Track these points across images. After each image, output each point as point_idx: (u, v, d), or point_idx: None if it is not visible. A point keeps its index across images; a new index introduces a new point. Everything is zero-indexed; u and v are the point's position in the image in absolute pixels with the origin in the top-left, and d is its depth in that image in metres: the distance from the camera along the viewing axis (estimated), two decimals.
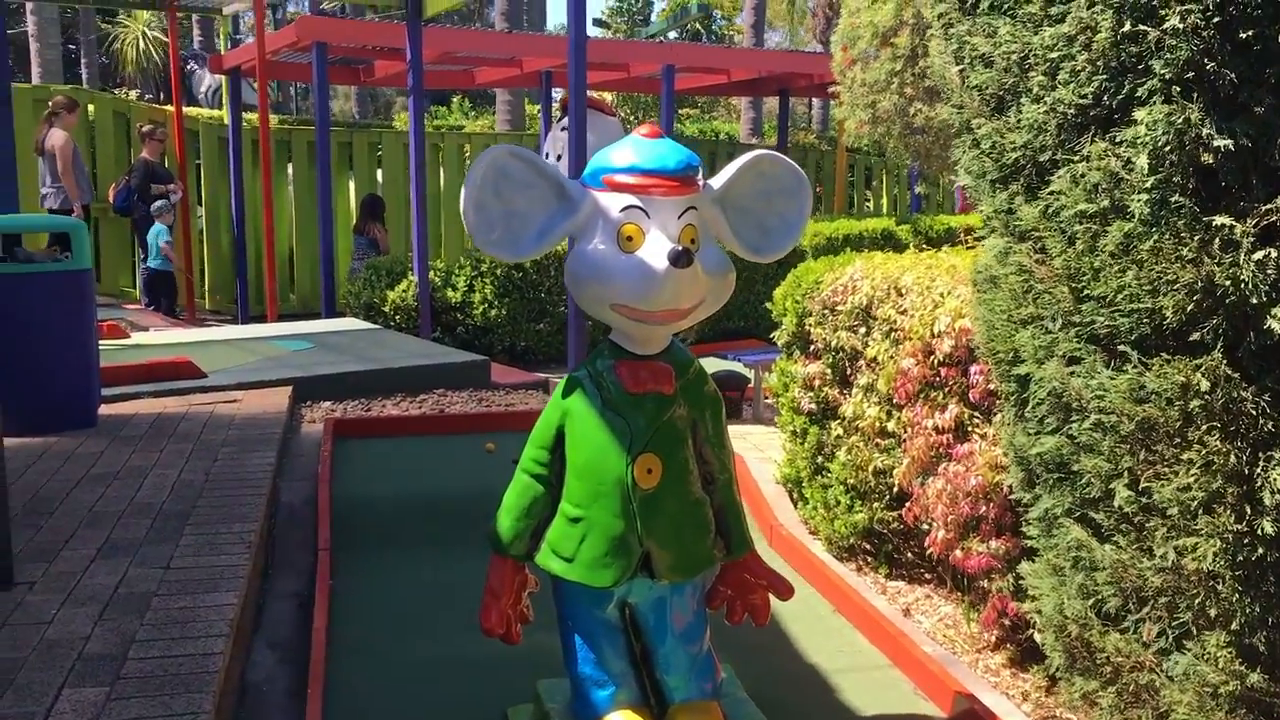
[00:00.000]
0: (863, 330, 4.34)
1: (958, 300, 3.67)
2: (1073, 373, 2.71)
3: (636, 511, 2.83)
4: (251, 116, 12.43)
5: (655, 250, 2.77)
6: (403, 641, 3.84)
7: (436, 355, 7.50)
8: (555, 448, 2.96)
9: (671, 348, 3.02)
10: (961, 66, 2.96)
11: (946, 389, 3.76)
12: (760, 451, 6.14)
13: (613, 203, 2.87)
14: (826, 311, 4.61)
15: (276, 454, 5.14)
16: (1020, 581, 3.31)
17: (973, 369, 3.60)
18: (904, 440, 4.01)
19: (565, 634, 2.98)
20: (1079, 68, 2.52)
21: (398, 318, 9.34)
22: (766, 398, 7.01)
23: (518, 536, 2.95)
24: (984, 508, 3.56)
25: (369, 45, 10.73)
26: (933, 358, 3.74)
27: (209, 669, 2.94)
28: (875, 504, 4.44)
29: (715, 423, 3.07)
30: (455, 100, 20.63)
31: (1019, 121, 2.75)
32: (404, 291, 9.37)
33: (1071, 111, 2.57)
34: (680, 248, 2.74)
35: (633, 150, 2.89)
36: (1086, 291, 2.60)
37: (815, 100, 27.33)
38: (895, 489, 4.18)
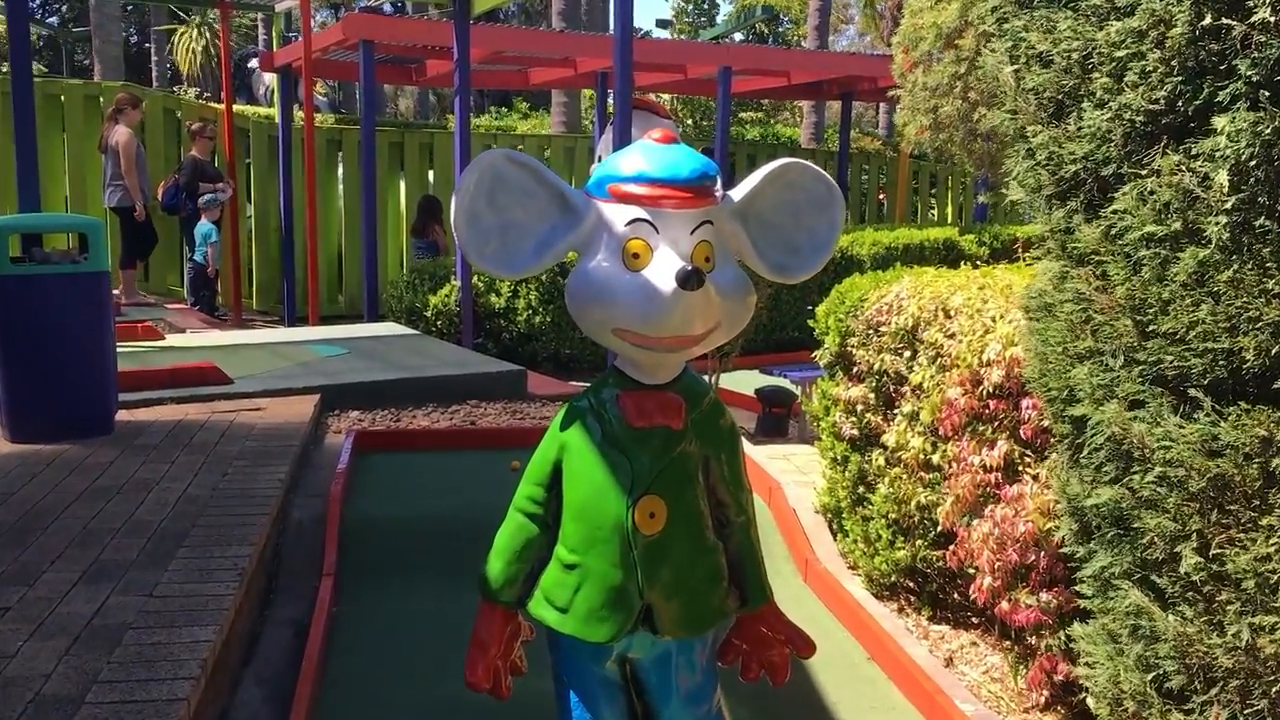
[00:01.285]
0: (908, 354, 4.01)
1: (1011, 326, 3.32)
2: (1135, 417, 2.37)
3: (637, 560, 2.54)
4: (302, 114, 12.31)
5: (663, 269, 2.48)
6: (402, 679, 3.58)
7: (472, 364, 7.26)
8: (552, 485, 2.68)
9: (683, 377, 2.73)
10: (1016, 67, 2.63)
11: (996, 423, 3.42)
12: (802, 474, 5.81)
13: (618, 215, 2.59)
14: (870, 332, 4.28)
15: (290, 468, 4.92)
16: (1073, 640, 2.96)
17: (1025, 403, 3.26)
18: (949, 476, 3.67)
19: (560, 689, 2.69)
20: (1150, 68, 2.18)
21: (439, 323, 9.12)
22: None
23: (509, 582, 2.68)
24: (1034, 556, 3.22)
25: (418, 44, 10.54)
26: (981, 388, 3.40)
27: (171, 716, 2.69)
28: (919, 541, 4.11)
29: (732, 460, 2.78)
30: (517, 101, 20.47)
31: (1079, 129, 2.41)
32: (447, 297, 9.16)
33: (1140, 119, 2.23)
34: (691, 267, 2.44)
35: (641, 157, 2.61)
36: (1153, 326, 2.26)
37: (883, 105, 26.82)
38: (940, 527, 3.84)
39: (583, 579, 2.55)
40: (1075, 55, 2.38)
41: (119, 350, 7.14)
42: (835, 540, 4.74)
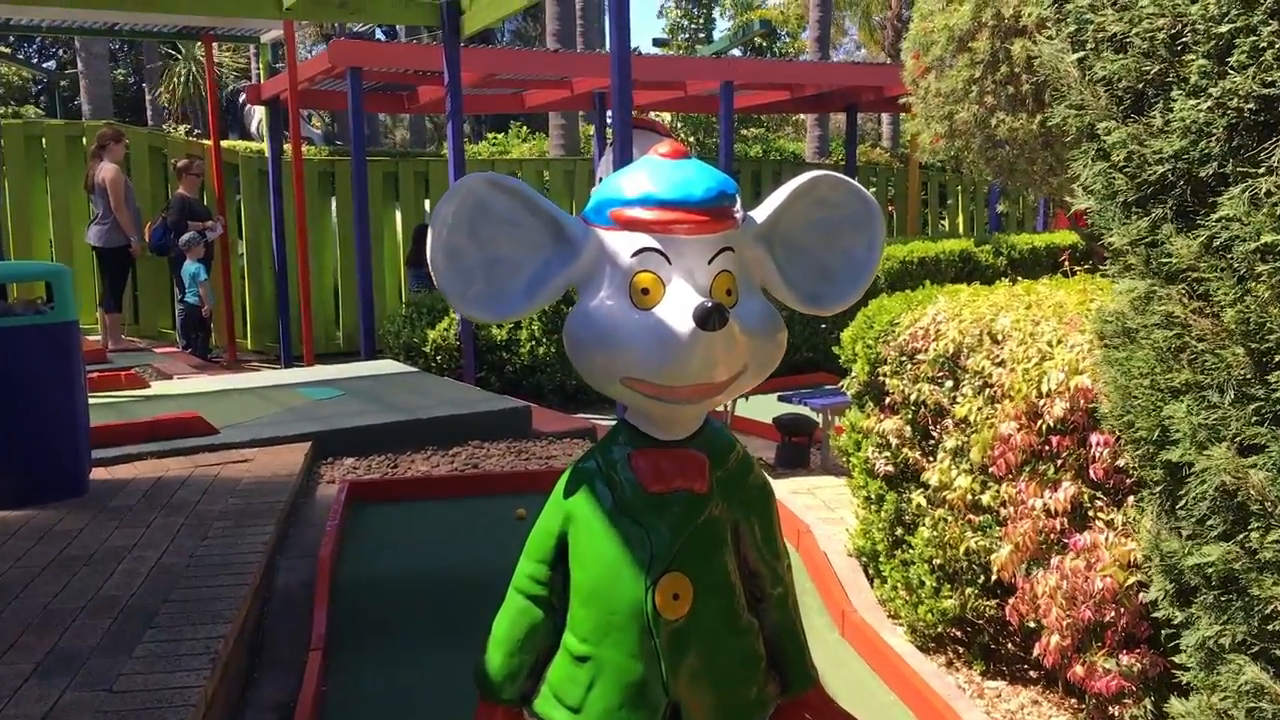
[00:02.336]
0: (949, 383, 3.62)
1: (1072, 351, 2.92)
2: (1252, 464, 1.97)
3: (660, 650, 2.15)
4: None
5: (678, 307, 2.10)
6: None
7: (473, 402, 6.86)
8: (557, 562, 2.30)
9: (705, 430, 2.35)
10: (1082, 54, 2.24)
11: (1059, 462, 3.02)
12: (830, 510, 5.41)
13: (623, 245, 2.21)
14: (904, 359, 3.89)
15: (276, 528, 4.53)
16: (1164, 709, 2.56)
17: (1094, 439, 2.86)
18: (1004, 519, 3.27)
19: None
20: (1262, 44, 1.79)
21: (440, 358, 8.74)
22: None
23: (511, 676, 2.30)
24: (1111, 614, 2.82)
25: (408, 69, 10.20)
26: (1041, 423, 3.00)
27: None
28: (968, 589, 3.71)
29: (765, 523, 2.39)
30: (513, 126, 20.15)
31: (1168, 123, 2.02)
32: (445, 330, 8.77)
33: (1250, 106, 1.84)
34: (710, 303, 2.06)
35: (647, 176, 2.23)
36: (1275, 356, 1.87)
37: (885, 116, 26.47)
38: (994, 574, 3.43)
39: (597, 673, 2.17)
40: (1161, 35, 2.00)
41: (99, 401, 6.80)
42: (872, 587, 4.34)
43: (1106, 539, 2.79)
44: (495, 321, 2.29)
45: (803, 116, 25.53)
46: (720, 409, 2.26)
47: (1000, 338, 3.32)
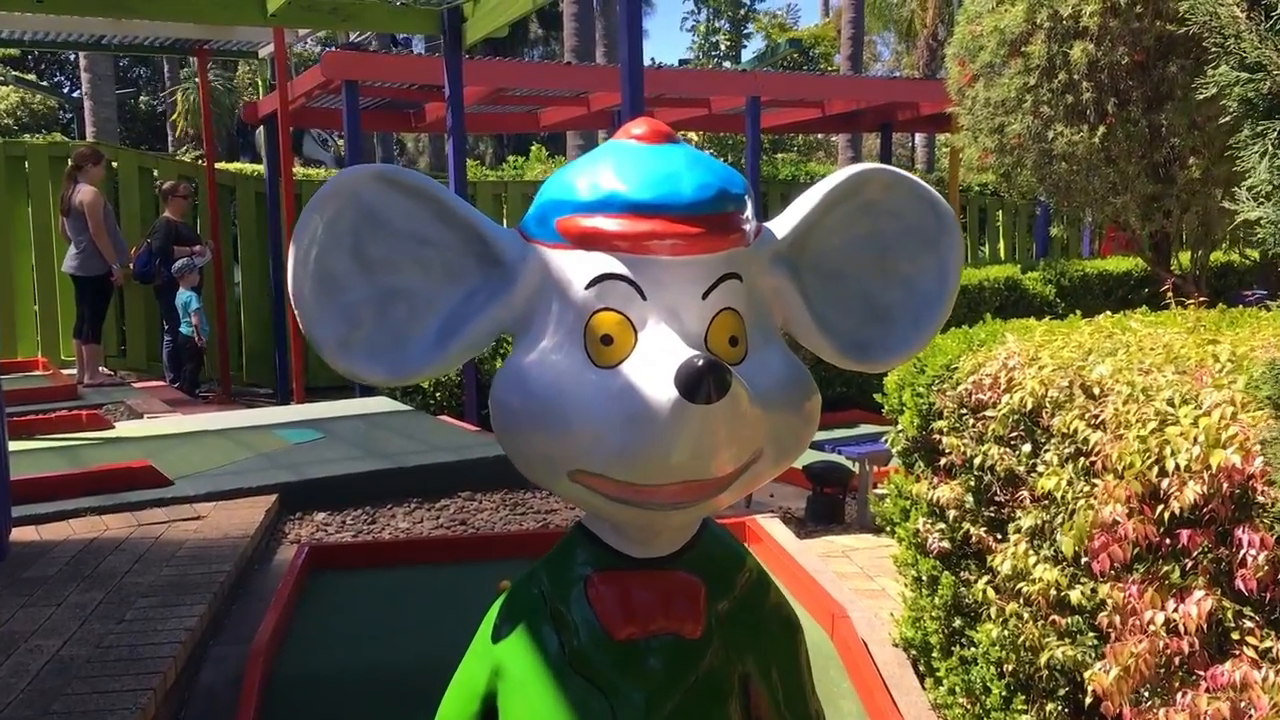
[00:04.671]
0: (1026, 447, 2.85)
1: (1210, 415, 2.15)
2: None
3: None
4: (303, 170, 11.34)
5: (655, 364, 1.39)
6: None
7: (467, 448, 6.12)
8: None
9: (702, 541, 1.62)
10: None
11: (1190, 563, 2.25)
12: (869, 580, 4.63)
13: (576, 270, 1.51)
14: (965, 413, 3.14)
15: (209, 607, 3.81)
16: None
17: (1243, 536, 2.09)
18: (1105, 629, 2.50)
19: None
20: None
21: (439, 395, 8.03)
22: (876, 486, 5.50)
23: None
24: None
25: (412, 85, 9.53)
26: (1163, 509, 2.23)
27: None
28: (1049, 704, 2.93)
29: (789, 674, 1.67)
30: (534, 149, 19.52)
31: None
32: None
33: None
34: (704, 359, 1.34)
35: (613, 167, 1.51)
36: None
37: (919, 138, 25.69)
38: (1089, 692, 2.64)
39: None
40: None
41: (48, 446, 6.13)
42: (924, 689, 3.56)
43: (1265, 678, 2.02)
44: (392, 383, 1.50)
45: (835, 139, 24.81)
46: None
47: (1099, 391, 2.55)
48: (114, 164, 10.12)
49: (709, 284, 1.41)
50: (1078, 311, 3.60)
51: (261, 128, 11.26)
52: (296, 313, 1.48)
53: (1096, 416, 2.52)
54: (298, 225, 1.46)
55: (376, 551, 4.68)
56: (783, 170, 16.60)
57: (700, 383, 1.26)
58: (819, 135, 23.71)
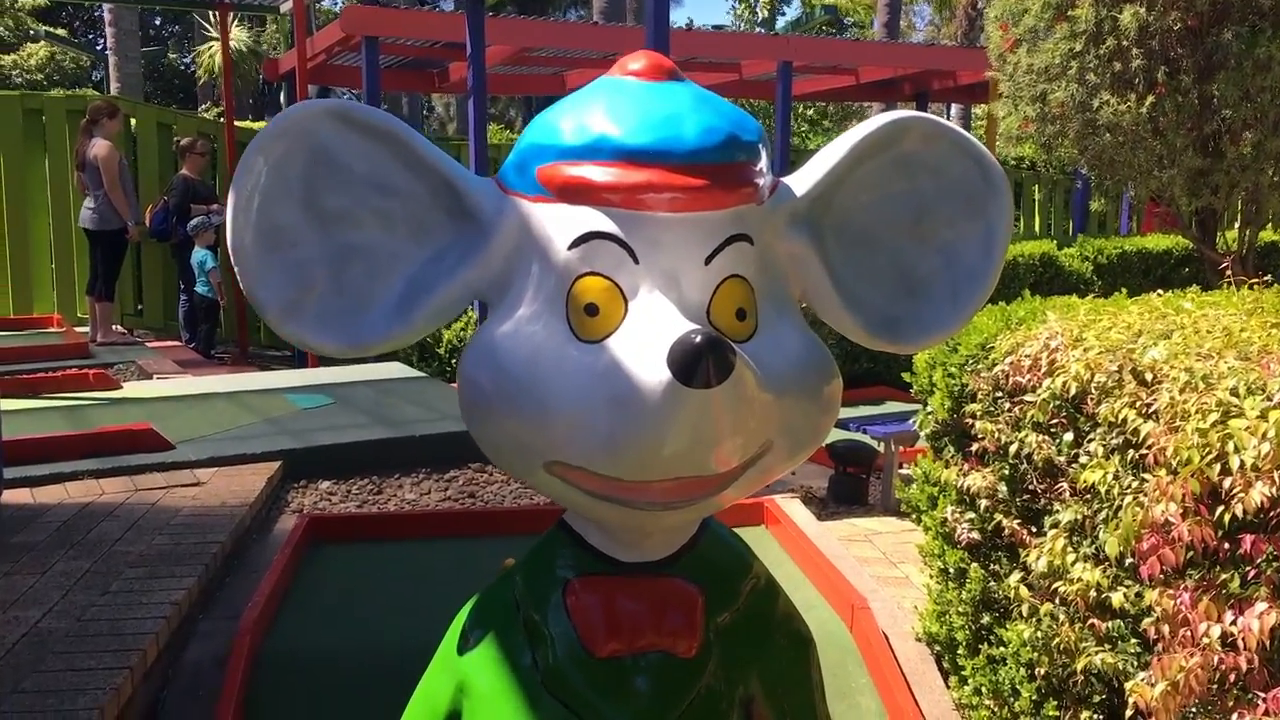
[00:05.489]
0: (1068, 436, 2.63)
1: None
2: None
3: None
4: None
5: (647, 339, 1.18)
6: None
7: None
8: None
9: (701, 542, 1.42)
10: None
11: (1252, 572, 2.03)
12: (892, 566, 4.43)
13: (558, 227, 1.30)
14: (1002, 396, 2.91)
15: (201, 578, 3.65)
16: None
17: None
18: (1152, 638, 2.29)
19: None
20: None
21: (454, 361, 7.84)
22: (902, 467, 5.28)
23: None
24: None
25: (435, 42, 9.30)
26: (1223, 511, 2.01)
27: None
28: (1085, 712, 2.72)
29: (798, 695, 1.47)
30: None
31: None
32: (463, 329, 7.87)
33: None
34: (704, 334, 1.11)
35: (604, 108, 1.30)
36: None
37: (953, 109, 25.18)
38: (1130, 704, 2.43)
39: None
40: None
41: (52, 406, 5.99)
42: (948, 687, 3.36)
43: None
44: (346, 354, 1.28)
45: (869, 108, 24.37)
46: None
47: (1151, 378, 2.33)
48: (132, 120, 9.94)
49: (713, 247, 1.20)
50: (1123, 290, 3.37)
51: (283, 86, 11.08)
52: (236, 270, 1.28)
53: (1149, 405, 2.29)
54: (238, 168, 1.25)
55: (380, 524, 4.52)
56: (812, 142, 16.30)
57: (698, 362, 1.06)
58: (852, 104, 23.31)
